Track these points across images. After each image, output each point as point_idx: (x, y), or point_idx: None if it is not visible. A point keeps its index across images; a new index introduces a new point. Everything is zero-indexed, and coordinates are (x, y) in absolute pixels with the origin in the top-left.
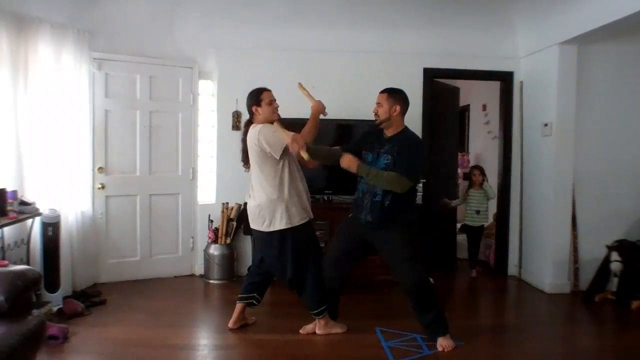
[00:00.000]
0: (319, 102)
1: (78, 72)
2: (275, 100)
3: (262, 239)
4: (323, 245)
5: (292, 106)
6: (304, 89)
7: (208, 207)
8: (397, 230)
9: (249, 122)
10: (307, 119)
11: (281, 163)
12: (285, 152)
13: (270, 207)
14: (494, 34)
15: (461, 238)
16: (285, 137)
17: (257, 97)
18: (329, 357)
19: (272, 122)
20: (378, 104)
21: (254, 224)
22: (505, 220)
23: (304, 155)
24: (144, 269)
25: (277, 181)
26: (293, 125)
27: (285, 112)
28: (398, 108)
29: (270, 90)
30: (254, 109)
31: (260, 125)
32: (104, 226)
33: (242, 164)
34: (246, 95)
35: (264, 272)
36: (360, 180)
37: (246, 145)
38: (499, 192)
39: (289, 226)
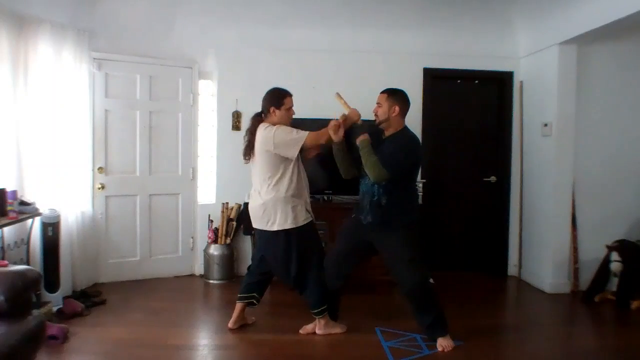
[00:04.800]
0: (354, 110)
1: (78, 72)
2: (293, 106)
3: (266, 238)
4: (323, 245)
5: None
6: (340, 98)
7: (208, 207)
8: (397, 232)
9: (259, 118)
10: (307, 120)
11: (292, 163)
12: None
13: (275, 207)
14: (494, 34)
15: None
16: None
17: (279, 99)
18: (329, 357)
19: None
20: (378, 104)
21: (257, 224)
22: (505, 220)
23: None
24: (143, 269)
25: (284, 181)
26: (293, 125)
27: None
28: (397, 109)
29: (292, 96)
30: (271, 109)
31: (274, 127)
32: (104, 226)
33: (243, 156)
34: (246, 94)
35: (263, 272)
36: (361, 182)
37: (252, 139)
38: (498, 192)
39: (295, 226)
